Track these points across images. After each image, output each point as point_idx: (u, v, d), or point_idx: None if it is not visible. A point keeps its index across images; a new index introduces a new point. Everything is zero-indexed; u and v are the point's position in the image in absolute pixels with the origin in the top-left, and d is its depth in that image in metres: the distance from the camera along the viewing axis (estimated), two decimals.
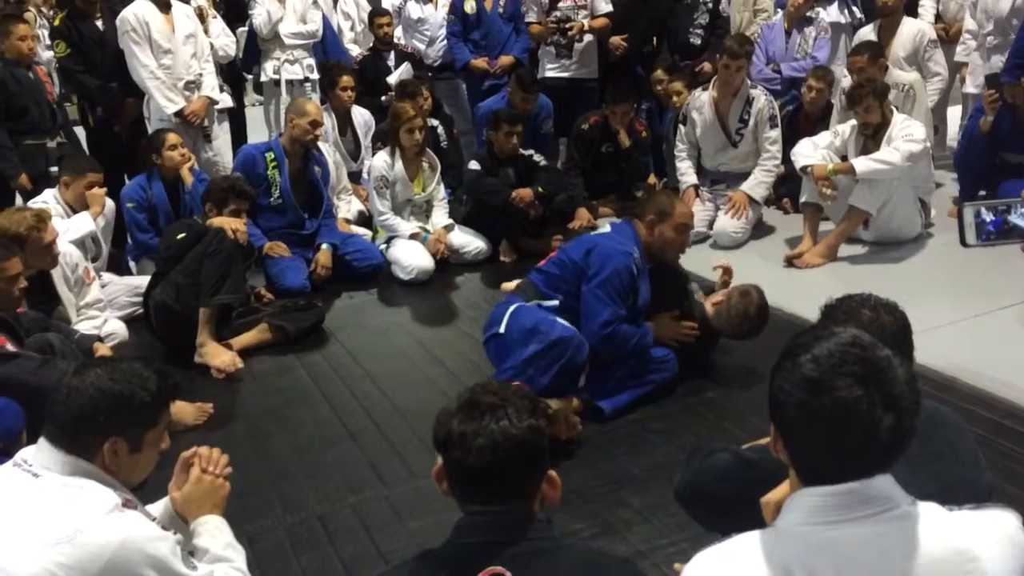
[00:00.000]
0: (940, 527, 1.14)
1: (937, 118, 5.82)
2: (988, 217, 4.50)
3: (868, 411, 1.11)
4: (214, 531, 1.87)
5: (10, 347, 2.94)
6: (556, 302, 3.15)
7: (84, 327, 3.70)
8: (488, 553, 1.33)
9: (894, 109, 4.62)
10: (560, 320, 3.04)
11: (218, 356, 3.66)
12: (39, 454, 1.67)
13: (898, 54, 5.49)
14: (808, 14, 5.92)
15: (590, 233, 3.34)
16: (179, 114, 5.21)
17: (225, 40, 5.94)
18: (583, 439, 2.97)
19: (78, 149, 5.26)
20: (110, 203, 4.65)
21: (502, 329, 3.12)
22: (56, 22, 5.54)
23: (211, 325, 3.72)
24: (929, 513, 1.15)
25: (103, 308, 3.96)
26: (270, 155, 4.76)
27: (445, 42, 6.54)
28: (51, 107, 4.95)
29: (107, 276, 4.33)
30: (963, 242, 4.50)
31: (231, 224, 3.82)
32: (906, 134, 4.39)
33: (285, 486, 2.84)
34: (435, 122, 5.59)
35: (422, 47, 6.68)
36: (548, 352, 2.93)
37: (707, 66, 5.82)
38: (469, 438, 1.36)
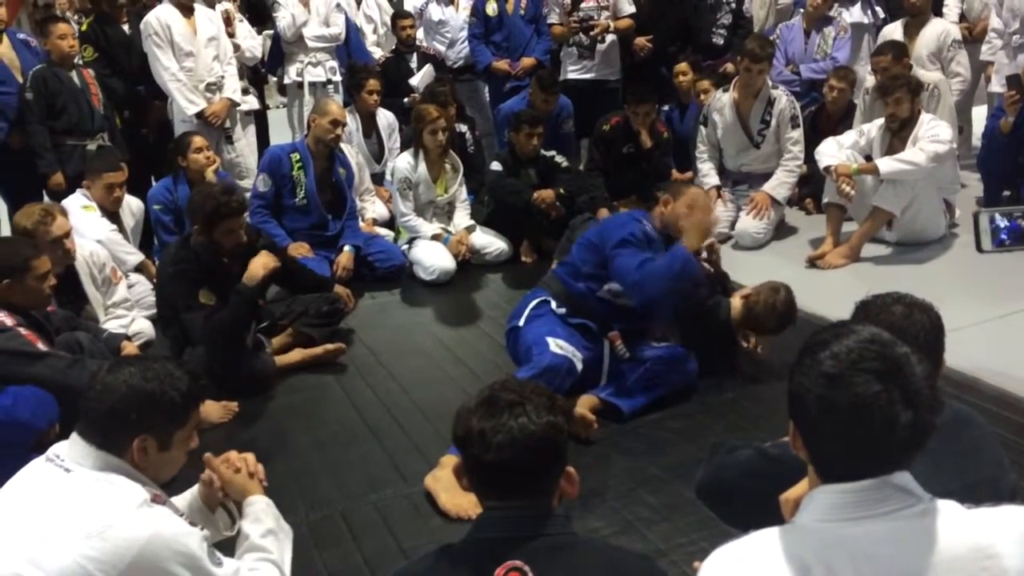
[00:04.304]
0: (958, 524, 1.14)
1: (962, 118, 5.77)
2: (1003, 223, 4.47)
3: (886, 407, 1.11)
4: (259, 514, 1.90)
5: (40, 346, 2.99)
6: (564, 309, 3.19)
7: (112, 326, 3.76)
8: (507, 548, 1.35)
9: (921, 109, 4.59)
10: (556, 343, 3.00)
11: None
12: (71, 449, 1.70)
13: (922, 52, 5.47)
14: (828, 14, 5.89)
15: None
16: (200, 115, 5.28)
17: (251, 42, 6.01)
18: (602, 438, 2.98)
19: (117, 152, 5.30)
20: (139, 204, 4.73)
21: (521, 322, 3.19)
22: (83, 27, 5.62)
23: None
24: (947, 510, 1.15)
25: (130, 307, 4.01)
26: (295, 156, 4.80)
27: (465, 44, 6.56)
28: (92, 109, 5.01)
29: (134, 276, 4.39)
30: (979, 248, 4.47)
31: (263, 265, 3.51)
32: (932, 135, 4.36)
33: (308, 483, 2.87)
34: (463, 127, 5.60)
35: (442, 49, 6.72)
36: (539, 377, 2.87)
37: (730, 67, 5.81)
38: (488, 434, 1.37)
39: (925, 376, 1.14)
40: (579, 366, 3.02)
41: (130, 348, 3.54)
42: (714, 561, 1.18)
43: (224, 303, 3.45)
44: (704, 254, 3.52)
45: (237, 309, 3.44)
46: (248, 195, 5.08)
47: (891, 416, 1.11)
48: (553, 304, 3.21)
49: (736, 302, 3.42)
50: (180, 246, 3.60)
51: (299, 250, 4.67)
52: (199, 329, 3.40)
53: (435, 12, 6.75)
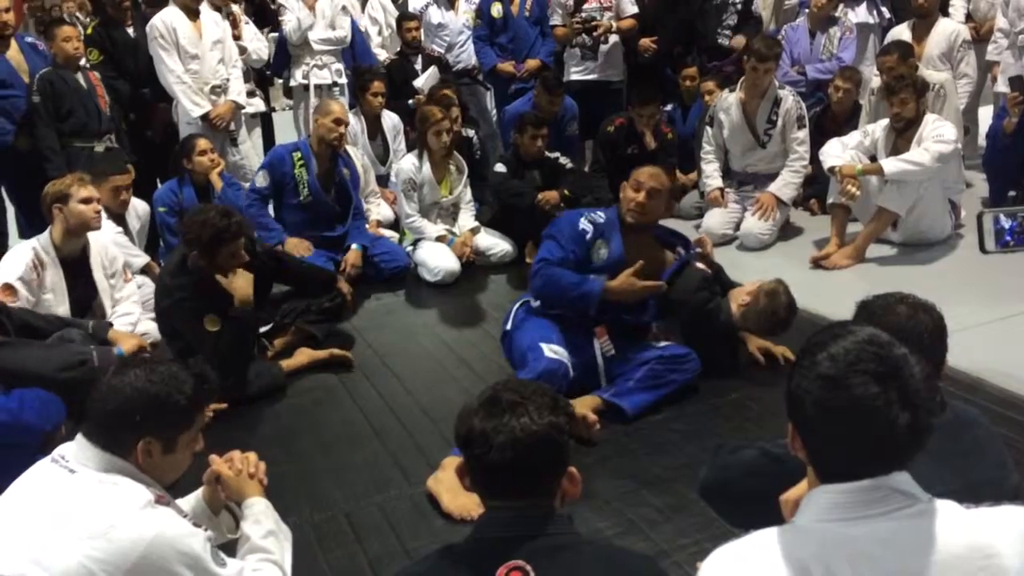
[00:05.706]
0: (957, 524, 1.14)
1: (968, 119, 5.76)
2: (1007, 223, 4.48)
3: (884, 409, 1.11)
4: (259, 516, 1.91)
5: None
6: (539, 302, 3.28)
7: (117, 324, 3.75)
8: (509, 548, 1.35)
9: (926, 110, 4.58)
10: (550, 348, 3.06)
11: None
12: (76, 451, 1.71)
13: (932, 53, 5.46)
14: (834, 14, 5.89)
15: None
16: (205, 118, 5.29)
17: (258, 44, 6.04)
18: (604, 439, 2.98)
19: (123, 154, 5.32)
20: (144, 207, 4.75)
21: (509, 326, 3.30)
22: (89, 30, 5.65)
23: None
24: (946, 510, 1.15)
25: (136, 302, 4.00)
26: (297, 154, 4.79)
27: (464, 48, 6.57)
28: (99, 111, 5.03)
29: (139, 279, 4.40)
30: (982, 249, 4.47)
31: (248, 283, 3.45)
32: (936, 135, 4.35)
33: (312, 484, 2.88)
34: (471, 132, 5.60)
35: (441, 52, 6.72)
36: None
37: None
38: (490, 435, 1.38)
39: (924, 377, 1.14)
40: (571, 371, 3.07)
41: (119, 335, 3.50)
42: (713, 561, 1.19)
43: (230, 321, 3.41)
44: (698, 249, 3.52)
45: (238, 333, 3.40)
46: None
47: (889, 417, 1.11)
48: (532, 301, 3.29)
49: (735, 309, 3.34)
50: (175, 272, 3.45)
51: (298, 248, 4.65)
52: (210, 356, 3.34)
53: (435, 15, 6.75)
